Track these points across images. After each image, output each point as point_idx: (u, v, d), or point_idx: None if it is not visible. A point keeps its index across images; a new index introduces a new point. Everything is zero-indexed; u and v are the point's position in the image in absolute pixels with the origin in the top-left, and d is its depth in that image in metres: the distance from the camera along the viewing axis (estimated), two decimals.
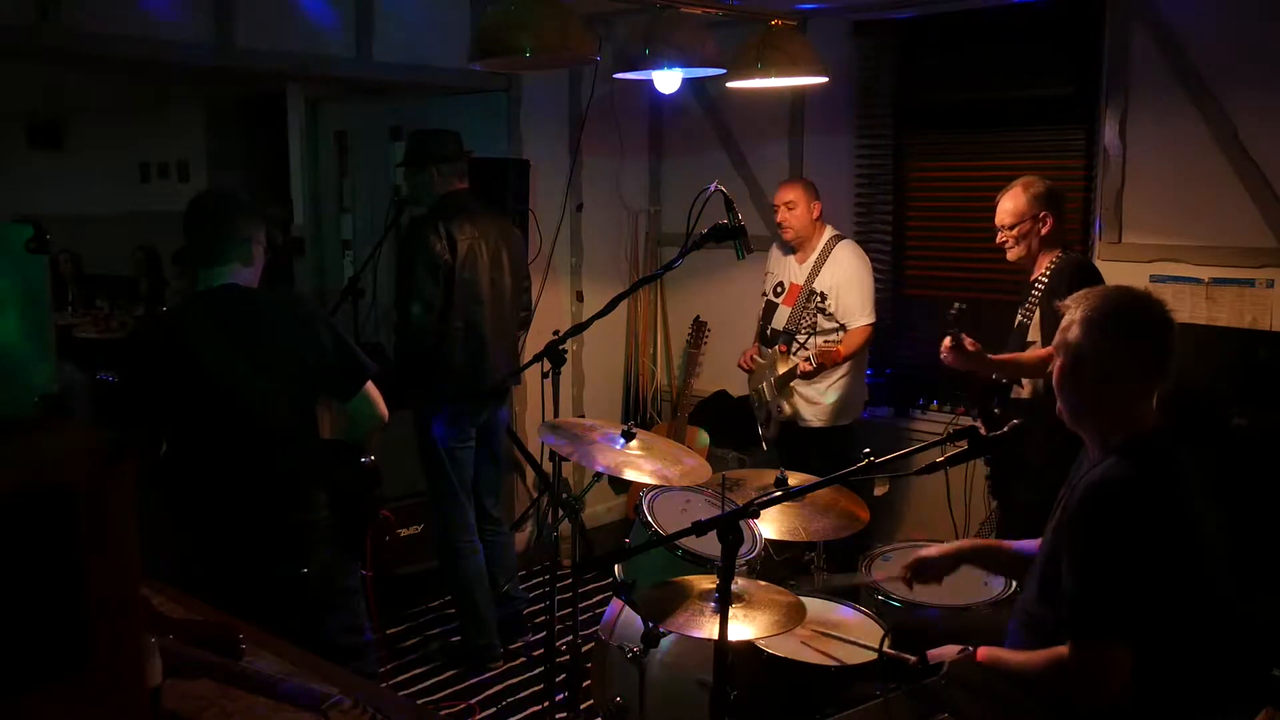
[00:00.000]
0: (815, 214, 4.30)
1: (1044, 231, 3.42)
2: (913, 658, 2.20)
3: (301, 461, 2.78)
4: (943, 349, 3.40)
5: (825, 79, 4.00)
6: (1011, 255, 3.51)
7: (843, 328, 4.23)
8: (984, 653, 2.14)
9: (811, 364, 4.03)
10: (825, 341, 4.19)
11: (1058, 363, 2.11)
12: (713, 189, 2.75)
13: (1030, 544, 2.45)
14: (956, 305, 3.41)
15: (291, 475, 2.75)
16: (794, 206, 4.26)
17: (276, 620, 2.43)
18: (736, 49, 3.87)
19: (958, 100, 4.70)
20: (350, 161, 5.79)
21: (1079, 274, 3.30)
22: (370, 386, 2.86)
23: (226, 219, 2.75)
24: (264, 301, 2.80)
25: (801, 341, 4.26)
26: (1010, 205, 3.46)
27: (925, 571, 2.55)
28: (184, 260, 2.83)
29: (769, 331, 4.40)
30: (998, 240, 3.52)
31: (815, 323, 4.27)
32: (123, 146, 8.71)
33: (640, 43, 3.56)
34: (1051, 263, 3.43)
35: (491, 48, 3.25)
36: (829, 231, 4.34)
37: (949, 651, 2.20)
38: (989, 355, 3.38)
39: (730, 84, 4.02)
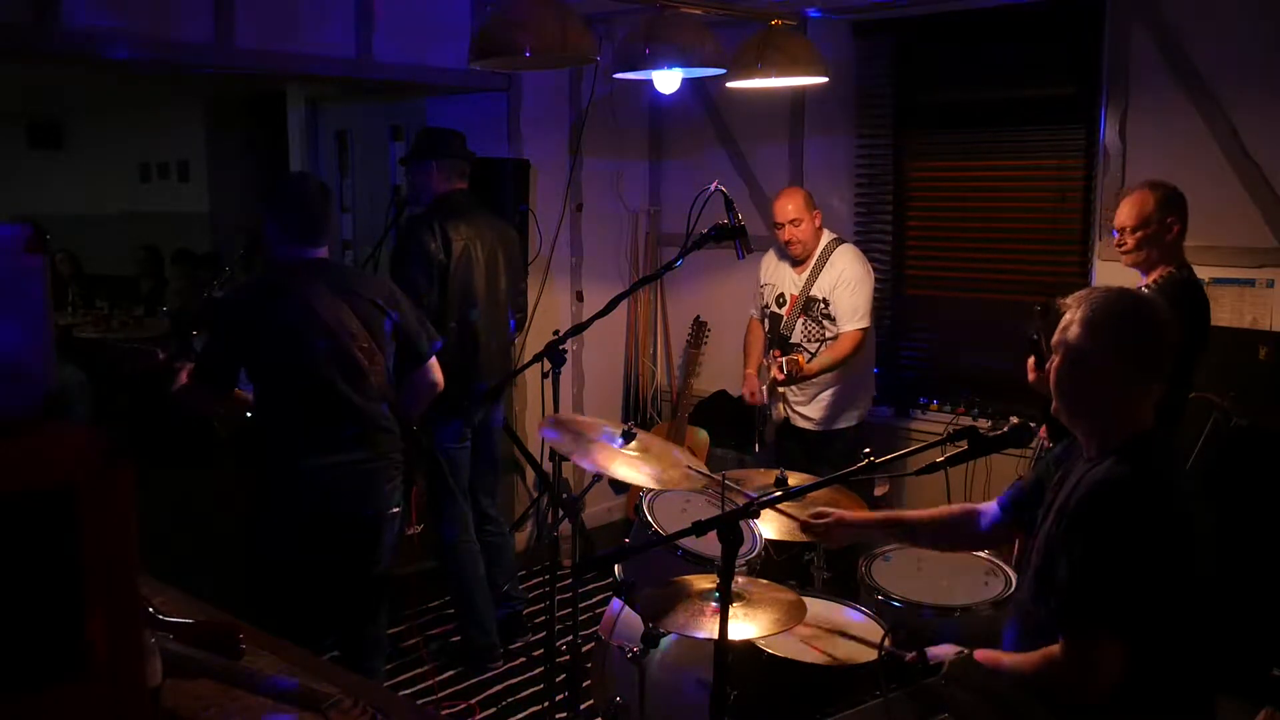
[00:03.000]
0: (818, 223, 4.27)
1: (1169, 238, 3.24)
2: (911, 653, 2.20)
3: (391, 408, 3.12)
4: (1029, 368, 3.21)
5: (825, 79, 4.00)
6: (1128, 261, 3.34)
7: None
8: (981, 655, 2.15)
9: (783, 373, 4.01)
10: (805, 349, 4.19)
11: (1055, 361, 2.12)
12: (713, 189, 2.75)
13: (938, 511, 2.53)
14: (1039, 307, 3.18)
15: (389, 417, 3.10)
16: (800, 223, 4.20)
17: (363, 551, 3.07)
18: (736, 49, 3.87)
19: (958, 100, 4.70)
20: (350, 161, 5.79)
21: (1183, 294, 3.16)
22: (434, 358, 3.25)
23: (328, 202, 3.10)
24: (356, 270, 3.31)
25: (813, 351, 4.24)
26: (1133, 208, 3.27)
27: (826, 522, 2.55)
28: (284, 235, 3.02)
29: (776, 340, 4.38)
30: (1115, 241, 3.36)
31: (822, 329, 4.25)
32: (123, 146, 8.71)
33: (640, 43, 3.55)
34: (1161, 278, 3.25)
35: (491, 48, 3.25)
36: (826, 236, 4.31)
37: (947, 651, 2.20)
38: None
39: (730, 84, 4.02)
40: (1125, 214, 3.30)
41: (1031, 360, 3.22)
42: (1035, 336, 3.22)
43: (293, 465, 2.99)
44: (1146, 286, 3.30)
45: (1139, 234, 3.26)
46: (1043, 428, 3.45)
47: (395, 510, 3.13)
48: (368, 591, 3.18)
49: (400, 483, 3.16)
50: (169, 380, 3.02)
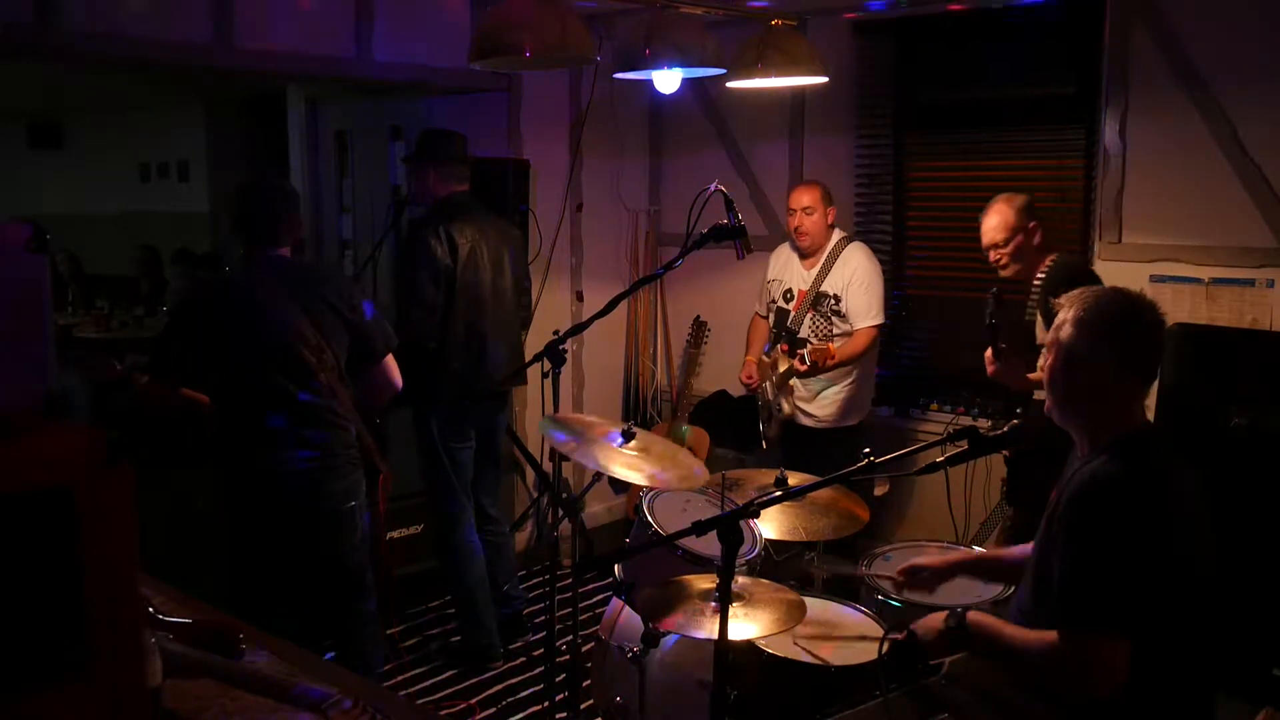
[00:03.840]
0: (830, 219, 4.28)
1: (1036, 241, 3.48)
2: (901, 634, 2.20)
3: (344, 403, 3.14)
4: (987, 360, 3.39)
5: (825, 79, 4.00)
6: (1008, 273, 3.53)
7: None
8: (974, 616, 2.14)
9: (805, 363, 4.02)
10: (817, 342, 4.18)
11: (1049, 360, 2.13)
12: (713, 189, 2.75)
13: (1026, 549, 2.48)
14: (993, 291, 3.38)
15: (339, 414, 3.11)
16: (812, 212, 4.22)
17: (327, 544, 3.11)
18: (736, 49, 3.87)
19: (958, 100, 4.70)
20: (350, 161, 5.78)
21: (1072, 273, 3.33)
22: (390, 357, 3.27)
23: (290, 205, 3.14)
24: (315, 267, 3.39)
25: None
26: (998, 220, 3.48)
27: (919, 578, 2.57)
28: (242, 235, 3.14)
29: (783, 334, 4.38)
30: (991, 259, 3.53)
31: (830, 325, 4.26)
32: (123, 146, 8.71)
33: (640, 43, 3.55)
34: (1049, 266, 3.46)
35: (491, 48, 3.25)
36: (838, 234, 4.33)
37: (934, 620, 2.18)
38: (1028, 374, 3.37)
39: (730, 84, 4.02)
40: (992, 231, 3.50)
41: (990, 351, 3.30)
42: (992, 321, 3.30)
43: (246, 462, 3.05)
44: (1038, 279, 3.44)
45: (1010, 246, 3.47)
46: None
47: (352, 504, 3.14)
48: (337, 585, 3.20)
49: (360, 477, 3.17)
50: (127, 389, 3.04)
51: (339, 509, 3.11)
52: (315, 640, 3.22)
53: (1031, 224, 3.47)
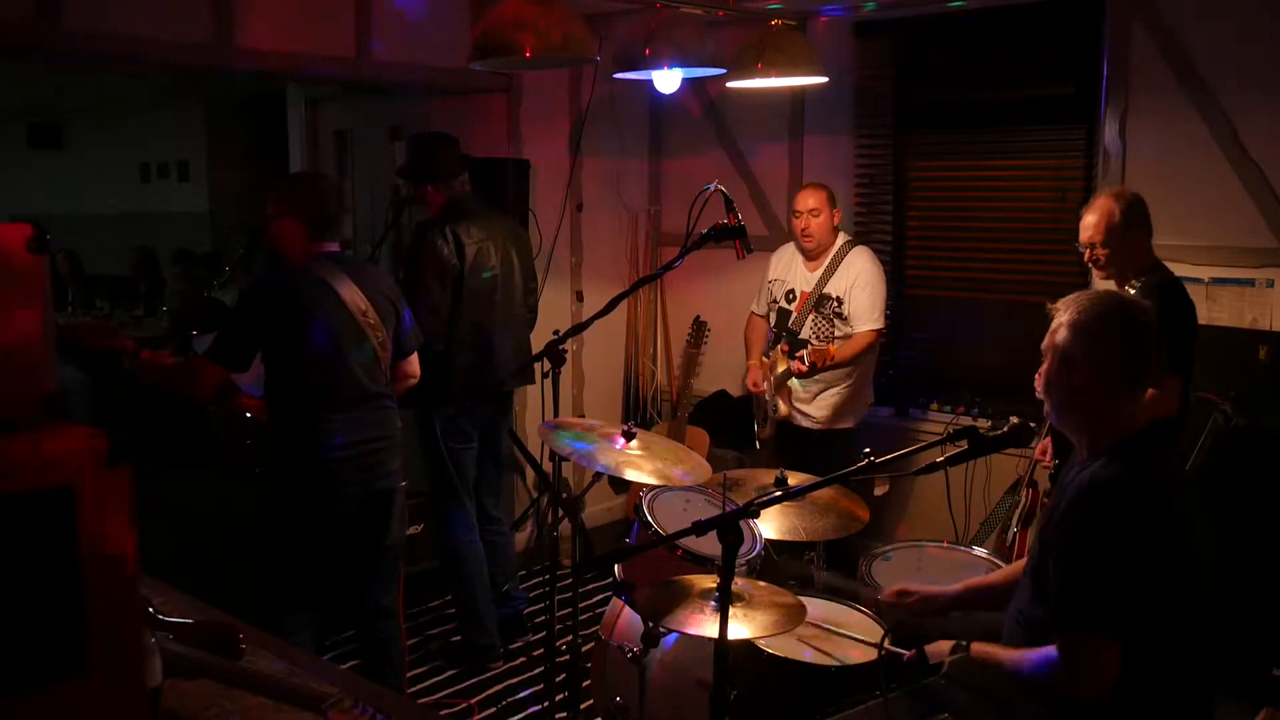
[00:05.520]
0: (835, 221, 4.29)
1: (1138, 247, 3.22)
2: (909, 652, 2.21)
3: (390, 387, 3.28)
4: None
5: (825, 79, 4.00)
6: (1101, 275, 3.31)
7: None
8: (977, 648, 2.15)
9: (805, 364, 4.01)
10: (818, 343, 4.18)
11: (1045, 364, 2.14)
12: (713, 189, 2.75)
13: (1012, 570, 2.48)
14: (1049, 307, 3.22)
15: (395, 398, 3.27)
16: (818, 214, 4.23)
17: (376, 525, 3.23)
18: (736, 49, 3.87)
19: (958, 100, 4.70)
20: (350, 161, 5.79)
21: (1169, 293, 3.13)
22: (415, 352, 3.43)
23: (342, 199, 3.26)
24: (367, 264, 3.55)
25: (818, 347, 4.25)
26: (1100, 223, 3.20)
27: (904, 606, 2.53)
28: (304, 232, 3.15)
29: (784, 334, 4.38)
30: (1086, 258, 3.29)
31: (832, 327, 4.26)
32: (123, 146, 8.72)
33: (640, 43, 3.56)
34: (1141, 283, 3.18)
35: (491, 48, 3.25)
36: (842, 237, 4.33)
37: (942, 648, 2.20)
38: None
39: (730, 84, 4.02)
40: (1092, 229, 3.23)
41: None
42: None
43: (314, 448, 3.07)
44: (1132, 288, 3.30)
45: (1108, 249, 3.21)
46: (1047, 440, 3.45)
47: (404, 483, 3.31)
48: (376, 570, 3.29)
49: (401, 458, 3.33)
50: (128, 362, 3.04)
51: (396, 487, 3.26)
52: (336, 633, 3.26)
53: (1134, 230, 3.19)
